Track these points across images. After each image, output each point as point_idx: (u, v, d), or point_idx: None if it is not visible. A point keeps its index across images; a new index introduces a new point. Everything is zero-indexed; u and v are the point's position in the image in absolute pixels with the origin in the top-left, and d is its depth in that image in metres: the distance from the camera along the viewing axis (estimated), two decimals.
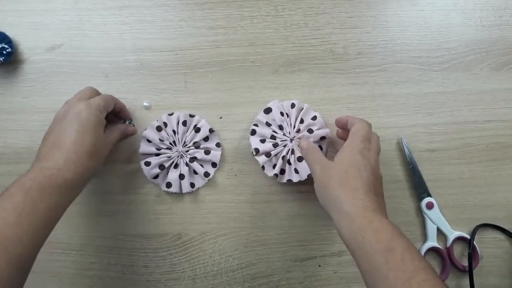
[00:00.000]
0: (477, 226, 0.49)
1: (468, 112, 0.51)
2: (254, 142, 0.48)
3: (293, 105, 0.49)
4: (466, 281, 0.48)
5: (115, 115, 0.48)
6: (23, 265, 0.33)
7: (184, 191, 0.49)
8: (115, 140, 0.45)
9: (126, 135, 0.49)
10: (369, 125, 0.42)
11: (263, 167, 0.48)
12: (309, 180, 0.46)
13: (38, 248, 0.35)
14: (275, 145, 0.48)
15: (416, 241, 0.50)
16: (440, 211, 0.50)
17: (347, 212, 0.35)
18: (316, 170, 0.41)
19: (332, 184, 0.38)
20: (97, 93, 0.45)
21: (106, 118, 0.44)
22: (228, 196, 0.51)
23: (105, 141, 0.43)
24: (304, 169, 0.47)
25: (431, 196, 0.50)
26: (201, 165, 0.50)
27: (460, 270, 0.49)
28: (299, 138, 0.48)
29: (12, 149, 0.51)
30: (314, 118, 0.49)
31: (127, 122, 0.50)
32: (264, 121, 0.49)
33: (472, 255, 0.48)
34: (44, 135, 0.41)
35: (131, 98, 0.51)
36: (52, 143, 0.39)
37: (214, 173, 0.50)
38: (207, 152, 0.49)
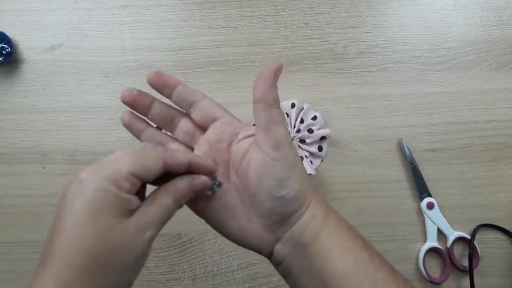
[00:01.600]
0: (477, 226, 0.49)
1: (468, 112, 0.51)
2: None
3: (293, 105, 0.49)
4: (467, 282, 0.48)
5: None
6: None
7: None
8: (158, 221, 0.25)
9: (189, 196, 0.27)
10: None
11: None
12: None
13: None
14: None
15: (417, 241, 0.50)
16: (441, 211, 0.50)
17: None
18: None
19: None
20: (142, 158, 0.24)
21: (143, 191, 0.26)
22: None
23: (128, 235, 0.23)
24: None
25: (431, 196, 0.50)
26: None
27: (461, 270, 0.49)
28: (299, 139, 0.48)
29: (12, 149, 0.51)
30: (314, 118, 0.49)
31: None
32: None
33: (473, 255, 0.48)
34: None
35: None
36: (46, 245, 0.23)
37: None
38: None
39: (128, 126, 0.30)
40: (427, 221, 0.50)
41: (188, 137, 0.30)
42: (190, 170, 0.26)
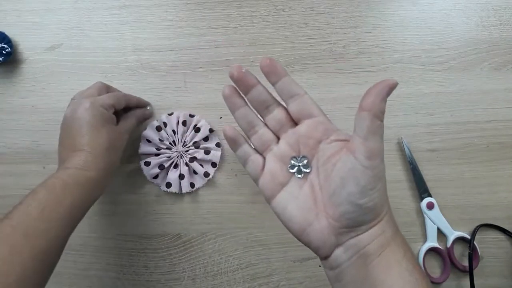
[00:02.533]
0: (477, 226, 0.49)
1: (468, 112, 0.51)
2: None
3: None
4: (467, 282, 0.48)
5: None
6: (48, 260, 0.33)
7: (184, 191, 0.49)
8: (130, 128, 0.45)
9: (144, 119, 0.49)
10: None
11: None
12: None
13: (62, 244, 0.35)
14: None
15: (417, 242, 0.50)
16: (441, 211, 0.50)
17: None
18: None
19: None
20: (106, 89, 0.45)
21: (118, 112, 0.44)
22: (228, 196, 0.51)
23: (119, 133, 0.42)
24: None
25: (431, 196, 0.50)
26: (201, 165, 0.50)
27: (461, 270, 0.49)
28: None
29: (12, 149, 0.51)
30: None
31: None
32: None
33: (473, 255, 0.48)
34: (59, 138, 0.41)
35: None
36: (69, 146, 0.39)
37: (214, 173, 0.50)
38: (207, 152, 0.49)
39: (227, 98, 0.33)
40: (427, 221, 0.50)
41: (278, 125, 0.32)
42: (138, 105, 0.48)
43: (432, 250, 0.49)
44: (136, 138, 0.50)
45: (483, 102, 0.51)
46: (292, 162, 0.31)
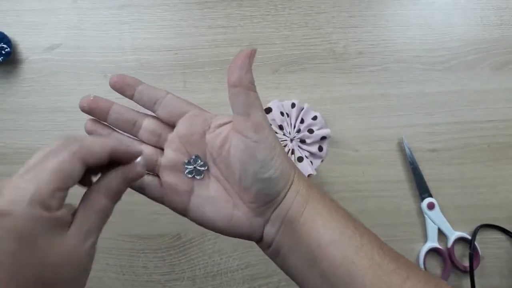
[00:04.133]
0: (478, 227, 0.49)
1: (469, 112, 0.51)
2: None
3: (293, 105, 0.49)
4: (467, 282, 0.48)
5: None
6: None
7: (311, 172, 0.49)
8: (97, 229, 0.24)
9: (130, 182, 0.26)
10: None
11: None
12: None
13: None
14: None
15: (417, 242, 0.50)
16: (441, 211, 0.49)
17: None
18: None
19: None
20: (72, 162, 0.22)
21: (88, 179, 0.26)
22: None
23: (71, 249, 0.22)
24: (304, 169, 0.47)
25: (432, 197, 0.50)
26: None
27: (461, 270, 0.49)
28: (299, 139, 0.48)
29: (12, 149, 0.51)
30: (315, 118, 0.49)
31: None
32: None
33: (473, 255, 0.48)
34: None
35: None
36: None
37: None
38: None
39: (91, 133, 0.30)
40: (428, 221, 0.49)
41: (154, 137, 0.30)
42: (114, 159, 0.24)
43: (432, 250, 0.49)
44: None
45: (484, 101, 0.51)
46: (187, 166, 0.29)
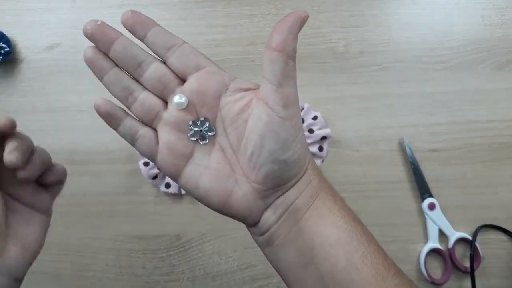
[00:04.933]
0: (479, 227, 0.49)
1: (470, 111, 0.50)
2: None
3: None
4: (468, 283, 0.48)
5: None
6: None
7: (183, 191, 0.49)
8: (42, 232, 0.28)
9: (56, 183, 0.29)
10: None
11: None
12: None
13: None
14: None
15: (418, 242, 0.50)
16: (442, 211, 0.49)
17: None
18: None
19: None
20: None
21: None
22: None
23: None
24: None
25: (432, 197, 0.49)
26: None
27: (462, 271, 0.48)
28: None
29: None
30: (315, 118, 0.48)
31: None
32: None
33: (474, 256, 0.47)
34: None
35: None
36: None
37: None
38: None
39: (90, 62, 0.25)
40: (429, 221, 0.49)
41: (160, 85, 0.25)
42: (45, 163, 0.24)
43: (433, 251, 0.49)
44: None
45: (485, 101, 0.50)
46: (192, 128, 0.26)
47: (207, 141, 0.26)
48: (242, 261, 0.50)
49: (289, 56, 0.23)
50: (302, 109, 0.49)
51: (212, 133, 0.26)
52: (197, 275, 0.50)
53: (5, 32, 0.50)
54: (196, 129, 0.26)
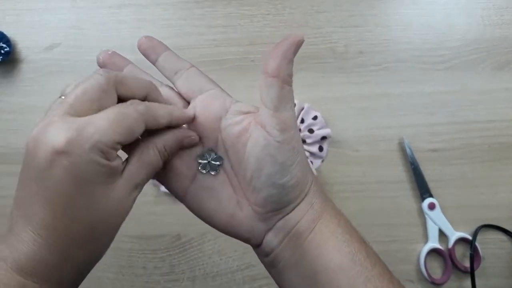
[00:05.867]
0: (479, 227, 0.49)
1: (470, 111, 0.50)
2: None
3: (293, 105, 0.48)
4: (468, 282, 0.48)
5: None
6: None
7: None
8: (144, 182, 0.25)
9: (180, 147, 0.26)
10: None
11: None
12: None
13: None
14: None
15: (418, 242, 0.50)
16: (442, 211, 0.49)
17: None
18: None
19: None
20: (114, 87, 0.23)
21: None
22: None
23: (118, 202, 0.23)
24: None
25: (432, 197, 0.49)
26: None
27: (462, 271, 0.48)
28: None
29: (12, 149, 0.51)
30: (315, 118, 0.48)
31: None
32: None
33: (474, 256, 0.47)
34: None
35: None
36: (20, 208, 0.23)
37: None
38: None
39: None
40: (428, 221, 0.49)
41: None
42: (169, 124, 0.25)
43: (433, 251, 0.49)
44: None
45: (485, 101, 0.50)
46: (200, 161, 0.26)
47: (218, 171, 0.26)
48: (242, 261, 0.50)
49: (284, 81, 0.24)
50: (302, 109, 0.49)
51: (220, 162, 0.26)
52: (197, 275, 0.50)
53: (5, 32, 0.50)
54: (204, 161, 0.26)
